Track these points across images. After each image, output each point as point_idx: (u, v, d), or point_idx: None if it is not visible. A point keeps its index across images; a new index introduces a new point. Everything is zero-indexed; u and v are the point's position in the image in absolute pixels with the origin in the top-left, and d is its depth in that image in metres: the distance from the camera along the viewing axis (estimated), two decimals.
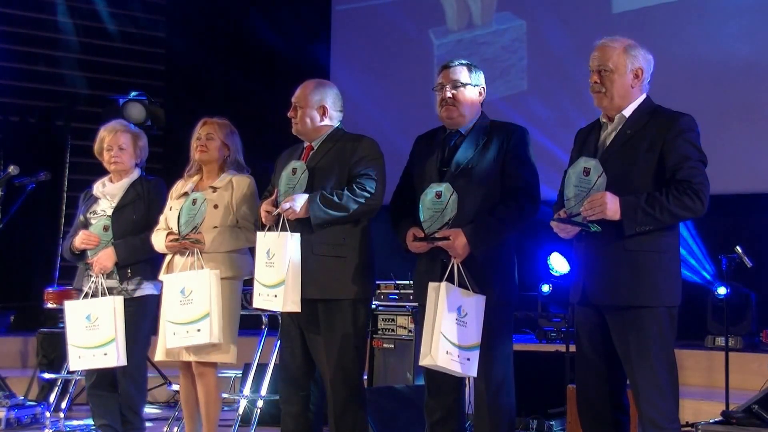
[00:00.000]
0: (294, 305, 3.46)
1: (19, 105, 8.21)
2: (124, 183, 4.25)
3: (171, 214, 3.98)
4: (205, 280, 3.78)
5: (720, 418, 4.19)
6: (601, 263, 3.05)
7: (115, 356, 3.98)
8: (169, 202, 4.08)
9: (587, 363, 3.14)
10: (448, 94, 3.41)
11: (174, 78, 8.84)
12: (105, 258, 4.08)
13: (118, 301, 4.03)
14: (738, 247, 4.65)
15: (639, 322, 2.99)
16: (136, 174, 4.29)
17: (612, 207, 2.93)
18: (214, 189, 3.97)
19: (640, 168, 3.02)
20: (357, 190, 3.49)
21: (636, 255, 2.99)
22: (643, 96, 3.14)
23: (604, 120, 3.18)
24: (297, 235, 3.47)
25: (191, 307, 3.77)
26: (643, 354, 2.97)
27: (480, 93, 3.47)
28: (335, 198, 3.47)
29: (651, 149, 3.01)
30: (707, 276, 6.58)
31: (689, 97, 6.35)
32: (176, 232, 3.89)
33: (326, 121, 3.66)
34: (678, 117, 3.05)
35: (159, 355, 3.99)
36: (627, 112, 3.11)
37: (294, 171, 3.54)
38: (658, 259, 3.00)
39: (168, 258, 3.99)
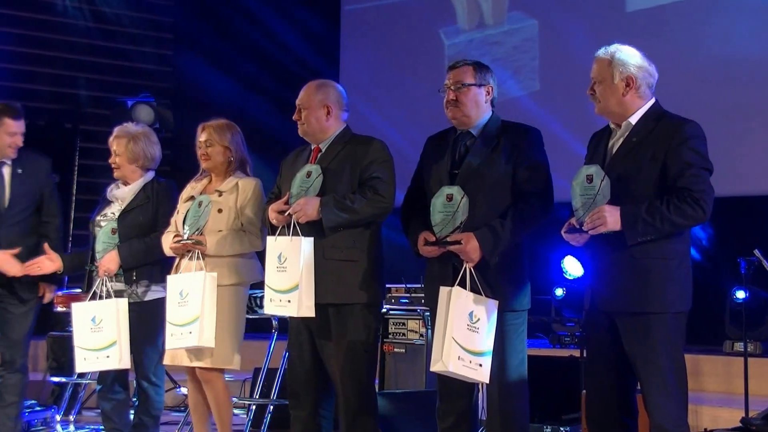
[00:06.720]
0: (308, 310, 3.42)
1: (28, 107, 8.09)
2: (135, 186, 4.23)
3: (178, 217, 3.98)
4: (200, 282, 3.74)
5: (739, 425, 4.14)
6: (608, 270, 3.07)
7: (117, 358, 3.95)
8: (179, 205, 4.06)
9: (597, 366, 3.15)
10: (451, 96, 3.38)
11: (182, 80, 8.83)
12: (109, 261, 4.06)
13: (122, 304, 4.00)
14: (756, 251, 4.58)
15: (647, 328, 2.99)
16: (148, 177, 4.27)
17: (611, 219, 2.95)
18: (220, 193, 3.94)
19: (644, 176, 3.02)
20: (369, 193, 3.47)
21: (642, 262, 3.00)
22: (651, 102, 3.13)
23: (613, 126, 3.18)
24: (310, 239, 3.43)
25: (186, 310, 3.74)
26: (651, 359, 2.98)
27: (487, 92, 3.42)
28: (348, 202, 3.44)
29: (655, 157, 3.01)
30: (725, 280, 6.48)
31: (703, 95, 6.28)
32: (181, 234, 3.87)
33: (332, 121, 3.63)
34: (683, 123, 3.04)
35: (165, 359, 3.98)
36: (633, 119, 3.11)
37: (309, 174, 3.50)
38: (665, 266, 3.00)
39: (177, 261, 3.97)
